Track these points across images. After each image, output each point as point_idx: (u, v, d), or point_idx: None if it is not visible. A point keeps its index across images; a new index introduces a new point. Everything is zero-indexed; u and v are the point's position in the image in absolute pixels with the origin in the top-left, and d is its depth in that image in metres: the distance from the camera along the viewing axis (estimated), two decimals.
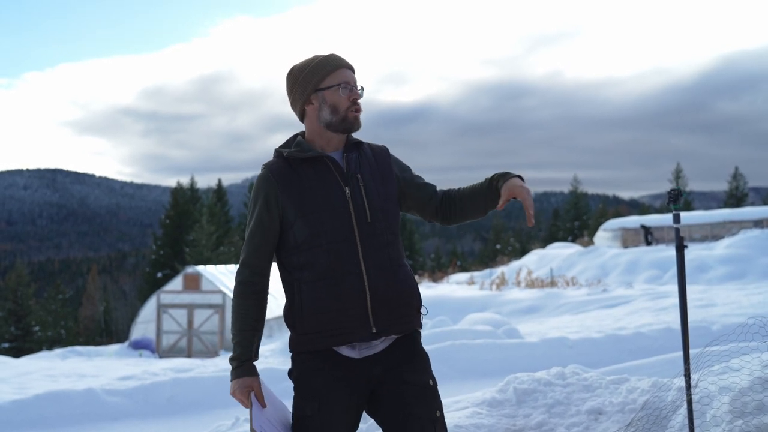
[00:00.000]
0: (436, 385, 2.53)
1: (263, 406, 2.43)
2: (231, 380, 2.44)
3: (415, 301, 2.54)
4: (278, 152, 2.56)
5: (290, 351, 2.53)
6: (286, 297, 2.51)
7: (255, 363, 2.49)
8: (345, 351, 2.45)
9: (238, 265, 2.52)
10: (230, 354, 2.51)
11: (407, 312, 2.51)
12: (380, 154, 2.64)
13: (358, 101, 2.52)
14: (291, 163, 2.50)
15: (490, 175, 2.60)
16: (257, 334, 2.48)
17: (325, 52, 2.58)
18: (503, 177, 2.53)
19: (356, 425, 2.48)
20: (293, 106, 2.61)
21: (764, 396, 3.47)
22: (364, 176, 2.52)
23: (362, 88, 2.57)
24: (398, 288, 2.47)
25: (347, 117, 2.49)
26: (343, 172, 2.49)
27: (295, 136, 2.62)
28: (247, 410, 2.44)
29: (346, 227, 2.42)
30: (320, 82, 2.51)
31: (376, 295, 2.42)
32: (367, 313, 2.41)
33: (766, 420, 3.35)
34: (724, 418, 3.50)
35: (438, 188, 2.71)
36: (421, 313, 2.59)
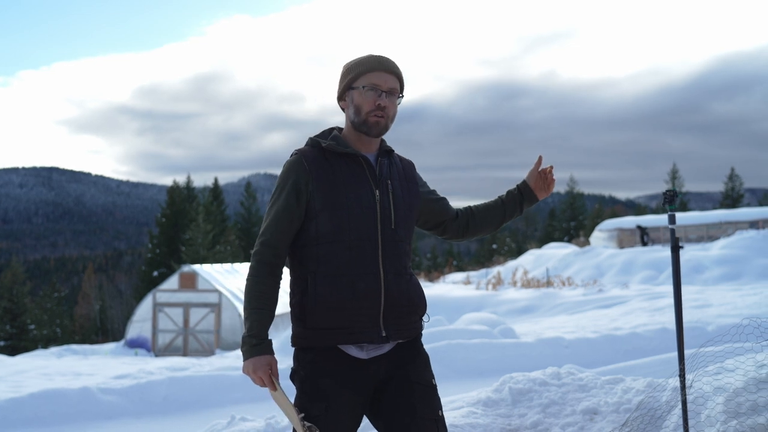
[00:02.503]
0: (436, 384, 2.56)
1: (276, 388, 2.41)
2: (246, 358, 2.38)
3: (421, 309, 2.58)
4: (315, 141, 2.56)
5: (294, 346, 2.51)
6: (296, 289, 2.48)
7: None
8: (353, 351, 2.44)
9: (257, 245, 2.48)
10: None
11: (415, 319, 2.55)
12: (408, 166, 2.70)
13: (384, 107, 2.50)
14: (326, 155, 2.51)
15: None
16: (272, 315, 2.45)
17: (380, 53, 2.59)
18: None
19: (359, 424, 2.49)
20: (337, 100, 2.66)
21: (758, 396, 3.48)
22: (394, 183, 2.55)
23: (401, 96, 2.58)
24: (410, 295, 2.51)
25: (367, 120, 2.50)
26: (376, 175, 2.51)
27: (331, 129, 2.63)
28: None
29: (371, 228, 2.44)
30: (353, 81, 2.54)
31: (390, 299, 2.44)
32: (379, 315, 2.43)
33: (761, 420, 3.36)
34: (718, 419, 3.51)
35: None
36: (423, 320, 2.63)
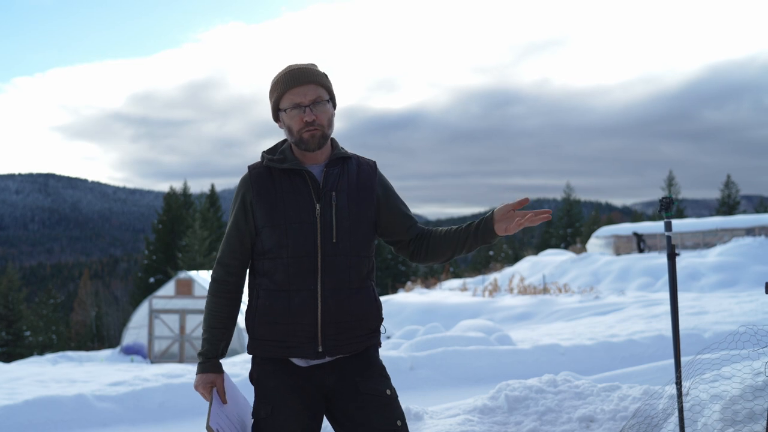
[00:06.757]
0: (396, 395, 2.54)
1: (224, 402, 2.49)
2: (196, 374, 2.50)
3: (371, 323, 2.53)
4: (263, 157, 2.58)
5: (248, 353, 2.58)
6: (249, 300, 2.55)
7: (221, 361, 2.54)
8: (294, 359, 2.49)
9: (214, 265, 2.58)
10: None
11: (359, 334, 2.50)
12: (366, 171, 2.60)
13: (313, 120, 2.46)
14: (271, 171, 2.53)
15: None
16: (227, 333, 2.53)
17: (293, 64, 2.54)
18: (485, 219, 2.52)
19: (314, 430, 2.50)
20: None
21: (755, 404, 3.48)
22: (340, 194, 2.50)
23: (328, 101, 2.51)
24: (352, 311, 2.47)
25: (302, 138, 2.49)
26: (319, 188, 2.49)
27: (284, 141, 2.63)
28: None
29: (310, 243, 2.43)
30: (279, 104, 2.53)
31: (328, 315, 2.43)
32: (316, 331, 2.43)
33: (757, 428, 3.36)
34: (715, 426, 3.51)
35: (416, 224, 2.67)
36: (379, 332, 2.60)
